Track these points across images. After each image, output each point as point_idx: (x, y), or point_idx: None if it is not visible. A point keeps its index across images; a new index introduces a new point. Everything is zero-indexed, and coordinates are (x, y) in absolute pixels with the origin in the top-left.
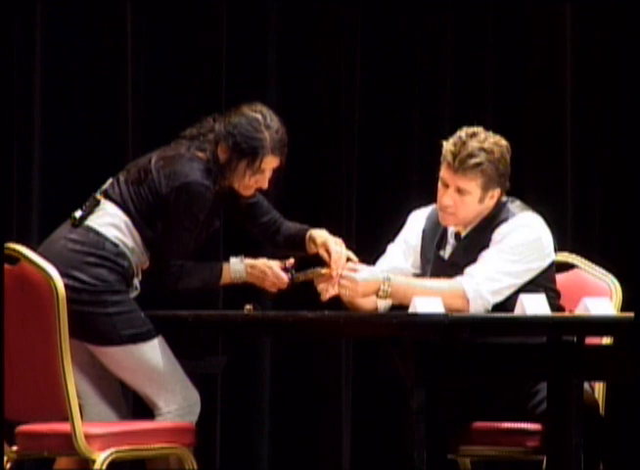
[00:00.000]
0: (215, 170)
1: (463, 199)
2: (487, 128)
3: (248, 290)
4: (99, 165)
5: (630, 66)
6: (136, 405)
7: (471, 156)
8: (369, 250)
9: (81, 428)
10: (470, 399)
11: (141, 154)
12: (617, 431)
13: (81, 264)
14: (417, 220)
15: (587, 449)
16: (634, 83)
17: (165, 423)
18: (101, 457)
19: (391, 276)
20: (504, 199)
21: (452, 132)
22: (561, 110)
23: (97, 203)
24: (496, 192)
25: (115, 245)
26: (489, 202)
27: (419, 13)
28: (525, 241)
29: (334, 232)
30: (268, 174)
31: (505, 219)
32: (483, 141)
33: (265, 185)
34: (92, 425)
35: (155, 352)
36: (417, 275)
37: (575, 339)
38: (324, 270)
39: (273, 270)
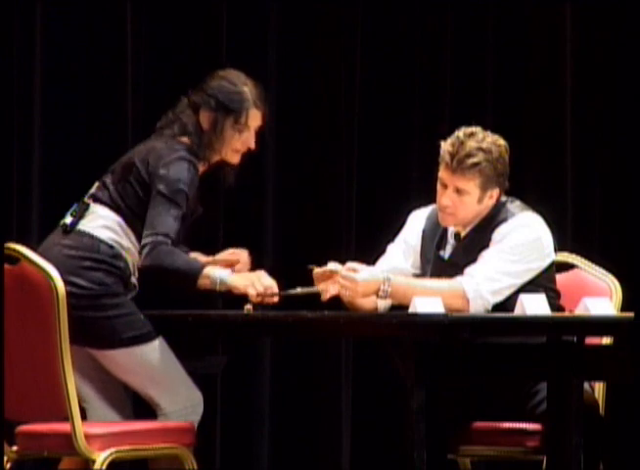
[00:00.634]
0: (200, 144)
1: (462, 199)
2: (487, 128)
3: None
4: (99, 165)
5: (630, 66)
6: (137, 405)
7: (469, 156)
8: (369, 250)
9: (81, 428)
10: (470, 398)
11: None
12: (616, 431)
13: (78, 269)
14: (417, 220)
15: (587, 449)
16: (634, 83)
17: (165, 423)
18: (101, 457)
19: (391, 276)
20: (503, 198)
21: (452, 132)
22: (561, 110)
23: (86, 207)
24: (495, 192)
25: (111, 247)
26: (488, 202)
27: (419, 13)
28: (524, 241)
29: (334, 232)
30: (254, 132)
31: (505, 219)
32: (481, 141)
33: (253, 144)
34: (92, 425)
35: (156, 353)
36: (417, 275)
37: (575, 339)
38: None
39: (262, 279)
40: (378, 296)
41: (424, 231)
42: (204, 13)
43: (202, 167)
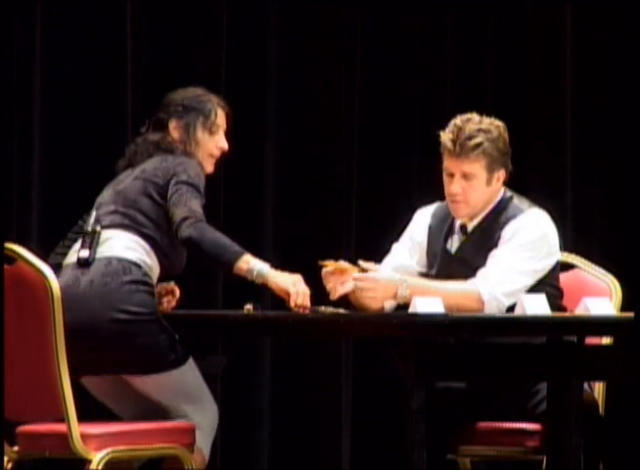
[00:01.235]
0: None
1: (470, 184)
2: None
3: (248, 290)
4: (99, 166)
5: (630, 66)
6: None
7: (470, 138)
8: (369, 249)
9: (77, 428)
10: (470, 398)
11: None
12: (616, 431)
13: (122, 296)
14: (423, 217)
15: (587, 449)
16: (634, 83)
17: (165, 423)
18: (97, 457)
19: (407, 278)
20: (508, 193)
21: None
22: (561, 110)
23: (98, 235)
24: (501, 173)
25: (139, 266)
26: (497, 185)
27: (419, 13)
28: (534, 238)
29: (334, 232)
30: (223, 134)
31: (513, 216)
32: (479, 123)
33: (226, 145)
34: (89, 425)
35: (191, 371)
36: (423, 274)
37: (575, 339)
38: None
39: (301, 283)
40: (395, 298)
41: (430, 227)
42: (204, 13)
43: None
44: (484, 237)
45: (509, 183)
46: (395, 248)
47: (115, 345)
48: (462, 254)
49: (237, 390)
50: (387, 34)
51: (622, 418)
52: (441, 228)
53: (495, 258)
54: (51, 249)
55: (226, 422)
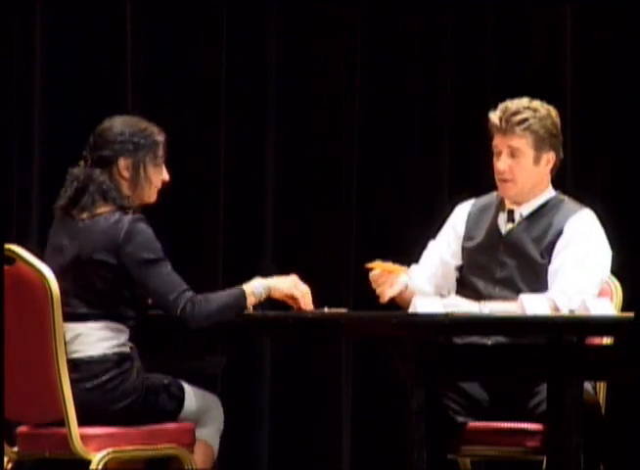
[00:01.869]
0: (123, 197)
1: (518, 161)
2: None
3: None
4: None
5: (630, 66)
6: None
7: (516, 113)
8: (368, 249)
9: (77, 429)
10: (470, 398)
11: None
12: (616, 431)
13: (106, 398)
14: (462, 208)
15: (587, 449)
16: (634, 83)
17: (164, 424)
18: (97, 458)
19: (490, 306)
20: (561, 195)
21: (452, 132)
22: (561, 110)
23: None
24: (551, 156)
25: (115, 354)
26: (545, 167)
27: (419, 13)
28: (599, 245)
29: (333, 233)
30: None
31: (573, 212)
32: (528, 102)
33: (167, 176)
34: (89, 426)
35: (191, 400)
36: (458, 267)
37: (576, 339)
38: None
39: (300, 284)
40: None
41: (469, 213)
42: (204, 13)
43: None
44: (536, 226)
45: None
46: (432, 244)
47: (119, 423)
48: (512, 237)
49: (237, 390)
50: (387, 34)
51: (622, 418)
52: (484, 213)
53: (566, 271)
54: None
55: (226, 422)
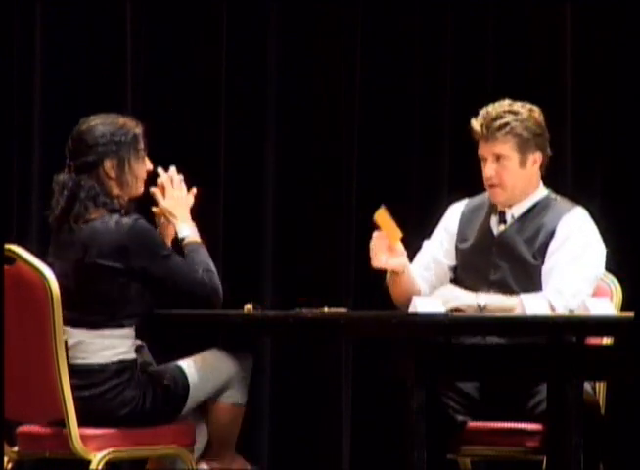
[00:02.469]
0: (112, 196)
1: (503, 165)
2: None
3: (248, 290)
4: None
5: (630, 66)
6: None
7: (496, 119)
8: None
9: (77, 429)
10: (470, 398)
11: None
12: (616, 431)
13: (106, 406)
14: (456, 208)
15: (587, 449)
16: (634, 83)
17: (165, 424)
18: (97, 458)
19: (486, 301)
20: (553, 194)
21: (452, 132)
22: (561, 110)
23: (64, 342)
24: (537, 155)
25: (114, 363)
26: (533, 168)
27: (419, 13)
28: (592, 243)
29: (333, 233)
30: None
31: (565, 211)
32: (509, 105)
33: (151, 165)
34: (89, 426)
35: (202, 382)
36: (452, 267)
37: (575, 339)
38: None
39: None
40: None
41: (462, 213)
42: (204, 13)
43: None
44: (528, 227)
45: None
46: (426, 244)
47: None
48: (504, 239)
49: None
50: (387, 34)
51: (622, 418)
52: (476, 214)
53: (561, 270)
54: None
55: None
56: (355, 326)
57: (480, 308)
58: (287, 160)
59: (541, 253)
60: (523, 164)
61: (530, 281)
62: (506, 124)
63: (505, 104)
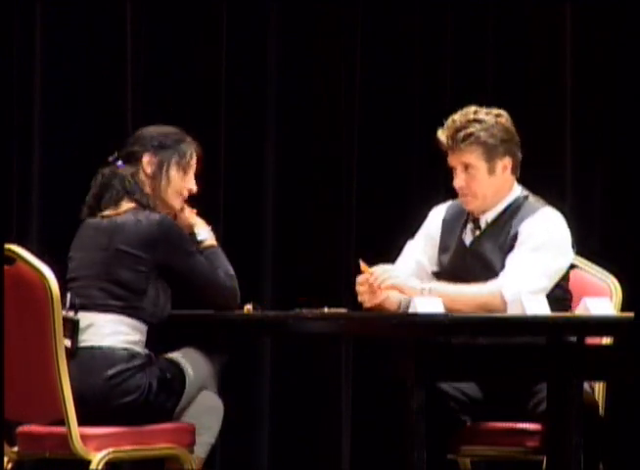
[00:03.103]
0: (143, 194)
1: (472, 175)
2: None
3: (248, 290)
4: (99, 166)
5: (630, 66)
6: None
7: (460, 129)
8: (369, 249)
9: (77, 429)
10: (470, 398)
11: None
12: (617, 431)
13: (109, 392)
14: (438, 213)
15: (587, 449)
16: (634, 83)
17: (165, 424)
18: (97, 458)
19: (428, 286)
20: (524, 192)
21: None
22: (561, 110)
23: (75, 323)
24: (506, 161)
25: (124, 349)
26: (503, 174)
27: (419, 13)
28: (553, 239)
29: (333, 232)
30: (193, 174)
31: (530, 213)
32: (474, 114)
33: (195, 186)
34: (89, 425)
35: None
36: (435, 273)
37: (576, 339)
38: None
39: None
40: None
41: (444, 220)
42: (204, 13)
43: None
44: (499, 233)
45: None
46: (410, 245)
47: (115, 422)
48: (476, 247)
49: (237, 390)
50: (387, 34)
51: (622, 418)
52: (456, 222)
53: (516, 259)
54: (51, 249)
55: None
56: (355, 326)
57: (423, 292)
58: (287, 160)
59: None
60: (491, 171)
61: None
62: (470, 134)
63: (470, 112)
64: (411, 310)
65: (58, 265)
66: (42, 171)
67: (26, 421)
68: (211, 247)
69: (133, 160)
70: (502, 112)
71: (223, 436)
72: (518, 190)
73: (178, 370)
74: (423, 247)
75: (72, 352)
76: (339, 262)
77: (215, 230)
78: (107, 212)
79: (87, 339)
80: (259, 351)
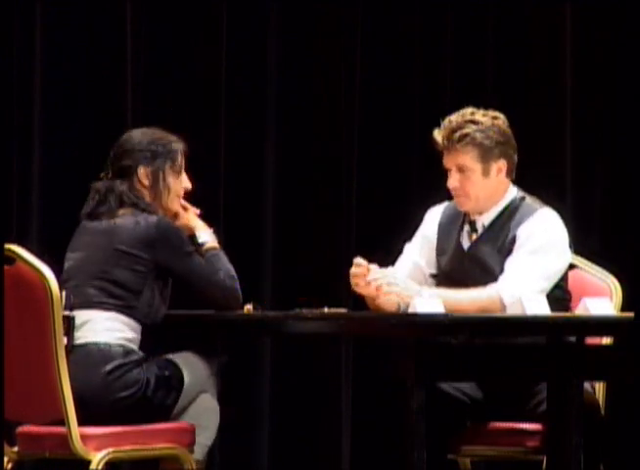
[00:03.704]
0: (145, 204)
1: (466, 176)
2: None
3: (248, 290)
4: (99, 166)
5: (630, 66)
6: None
7: (456, 130)
8: (369, 249)
9: (77, 429)
10: (470, 399)
11: None
12: (617, 431)
13: (107, 387)
14: (434, 215)
15: (587, 449)
16: (634, 83)
17: (164, 424)
18: (97, 458)
19: (430, 291)
20: (520, 194)
21: None
22: (561, 110)
23: (71, 319)
24: (501, 163)
25: (120, 346)
26: (498, 176)
27: (419, 13)
28: (550, 241)
29: (333, 233)
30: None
31: (527, 215)
32: (471, 115)
33: (189, 183)
34: (89, 425)
35: (196, 407)
36: (432, 275)
37: (575, 339)
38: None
39: None
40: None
41: (440, 224)
42: (204, 13)
43: None
44: (497, 236)
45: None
46: (408, 248)
47: (114, 420)
48: (474, 251)
49: (237, 390)
50: (387, 34)
51: (622, 418)
52: (452, 224)
53: (515, 262)
54: (51, 249)
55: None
56: (355, 326)
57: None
58: (287, 160)
59: None
60: (486, 173)
61: None
62: (466, 135)
63: (467, 113)
64: (411, 310)
65: (58, 265)
66: (42, 171)
67: (26, 421)
68: (213, 249)
69: (127, 174)
70: (499, 114)
71: (223, 436)
72: (513, 192)
73: (176, 369)
74: (420, 249)
75: (69, 350)
76: (339, 262)
77: (215, 230)
78: (104, 218)
79: (83, 335)
80: (259, 351)
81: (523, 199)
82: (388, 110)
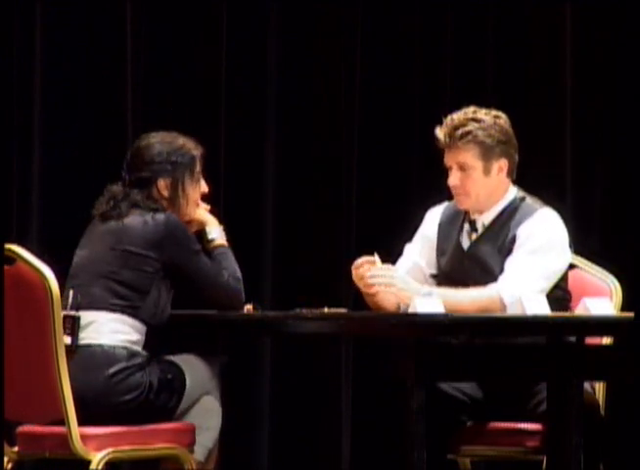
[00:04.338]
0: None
1: (468, 174)
2: None
3: (248, 290)
4: (99, 166)
5: (630, 66)
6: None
7: (458, 127)
8: (369, 249)
9: (77, 429)
10: (470, 399)
11: None
12: (617, 431)
13: (111, 389)
14: (434, 216)
15: (587, 449)
16: (634, 83)
17: (165, 424)
18: (97, 458)
19: (430, 290)
20: (521, 194)
21: None
22: (561, 110)
23: (76, 319)
24: (502, 163)
25: (124, 348)
26: (499, 175)
27: (419, 13)
28: (550, 241)
29: (333, 233)
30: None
31: (527, 215)
32: (473, 113)
33: (206, 188)
34: (89, 425)
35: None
36: (433, 275)
37: (575, 339)
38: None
39: None
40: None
41: (440, 224)
42: (204, 13)
43: None
44: (497, 236)
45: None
46: (408, 248)
47: (116, 422)
48: (474, 251)
49: (237, 390)
50: (387, 34)
51: (622, 418)
52: (452, 225)
53: (515, 262)
54: (51, 249)
55: (226, 422)
56: (355, 326)
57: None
58: (287, 160)
59: None
60: (487, 171)
61: None
62: (468, 132)
63: (469, 111)
64: (411, 310)
65: (58, 265)
66: (42, 171)
67: (26, 421)
68: (221, 246)
69: (145, 184)
70: (501, 114)
71: (223, 436)
72: (514, 192)
73: (178, 371)
74: (420, 249)
75: (72, 350)
76: (339, 262)
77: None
78: (114, 219)
79: (87, 336)
80: (259, 351)
81: (523, 199)
82: (388, 110)
